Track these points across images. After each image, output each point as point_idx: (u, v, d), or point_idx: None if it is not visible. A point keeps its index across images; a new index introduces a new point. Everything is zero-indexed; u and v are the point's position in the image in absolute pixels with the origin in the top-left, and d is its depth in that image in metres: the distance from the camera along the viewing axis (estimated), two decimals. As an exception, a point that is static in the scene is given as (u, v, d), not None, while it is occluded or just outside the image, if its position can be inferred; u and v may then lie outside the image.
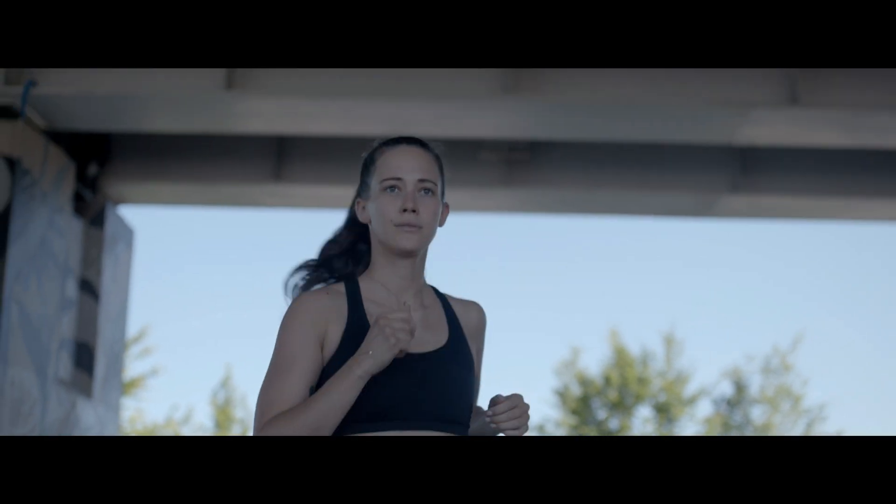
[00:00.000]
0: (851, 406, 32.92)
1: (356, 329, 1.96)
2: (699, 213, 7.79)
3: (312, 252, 2.17)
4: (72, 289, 6.90)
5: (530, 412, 1.96)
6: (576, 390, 16.89)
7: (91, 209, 7.11)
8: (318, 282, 2.12)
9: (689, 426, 16.63)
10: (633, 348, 16.94)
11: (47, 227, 6.28)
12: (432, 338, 2.00)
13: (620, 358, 16.68)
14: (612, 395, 16.56)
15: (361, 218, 2.07)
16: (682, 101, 5.98)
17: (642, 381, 16.45)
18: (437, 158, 2.07)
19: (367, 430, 1.90)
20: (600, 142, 7.01)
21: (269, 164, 7.14)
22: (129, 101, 6.09)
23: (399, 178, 1.99)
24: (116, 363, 7.54)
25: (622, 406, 16.47)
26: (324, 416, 1.86)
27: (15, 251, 5.82)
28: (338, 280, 2.11)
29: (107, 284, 7.25)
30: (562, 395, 17.04)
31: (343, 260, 2.14)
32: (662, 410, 16.38)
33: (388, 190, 1.99)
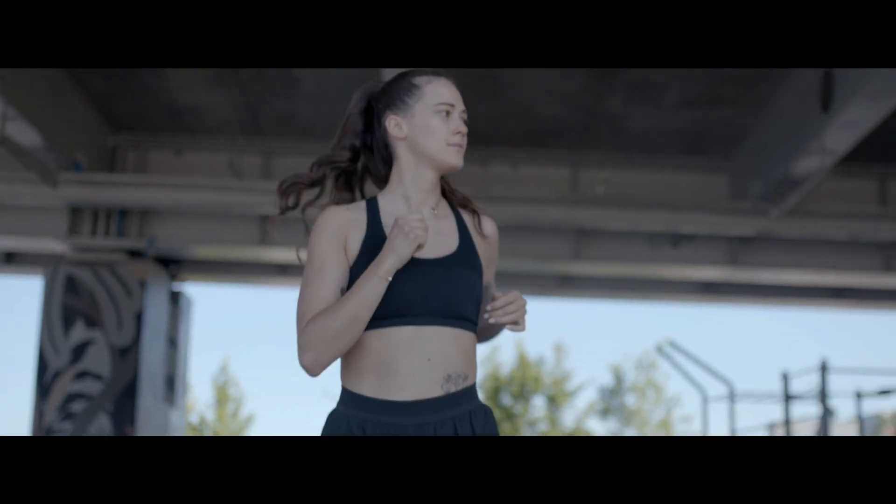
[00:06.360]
0: (691, 394, 37.32)
1: (374, 238, 2.15)
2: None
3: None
4: (166, 345, 11.61)
5: (527, 308, 2.08)
6: (490, 384, 21.85)
7: (174, 296, 11.84)
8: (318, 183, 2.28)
9: (570, 413, 21.66)
10: (532, 353, 21.90)
11: (158, 314, 11.04)
12: (443, 244, 2.17)
13: (522, 360, 21.60)
14: (515, 388, 21.46)
15: (394, 132, 2.22)
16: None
17: (536, 379, 21.40)
18: None
19: (385, 326, 2.08)
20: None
21: (277, 270, 11.94)
22: (196, 245, 10.86)
23: (452, 105, 2.21)
24: (183, 382, 12.29)
25: (522, 396, 21.40)
26: (358, 308, 2.04)
27: (144, 335, 10.59)
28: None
29: (180, 337, 12.00)
30: (479, 386, 21.74)
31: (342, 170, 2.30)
32: (551, 400, 21.33)
33: (443, 113, 2.20)
